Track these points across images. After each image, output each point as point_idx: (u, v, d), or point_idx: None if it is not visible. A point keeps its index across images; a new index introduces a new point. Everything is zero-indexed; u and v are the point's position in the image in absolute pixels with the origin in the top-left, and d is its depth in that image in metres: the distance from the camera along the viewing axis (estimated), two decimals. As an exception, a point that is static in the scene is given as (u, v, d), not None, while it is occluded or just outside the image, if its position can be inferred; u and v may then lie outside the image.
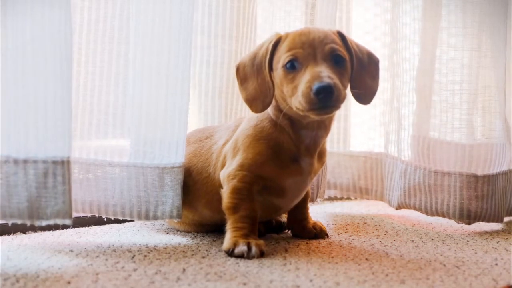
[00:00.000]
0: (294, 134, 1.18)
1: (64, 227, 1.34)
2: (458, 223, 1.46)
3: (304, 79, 1.07)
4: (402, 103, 1.55)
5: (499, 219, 1.46)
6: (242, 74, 1.19)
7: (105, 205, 1.23)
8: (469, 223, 1.44)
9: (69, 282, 0.94)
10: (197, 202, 1.26)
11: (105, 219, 1.35)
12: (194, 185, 1.26)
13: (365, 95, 1.20)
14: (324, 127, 1.19)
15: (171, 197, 1.23)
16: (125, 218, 1.24)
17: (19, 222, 1.05)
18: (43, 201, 1.06)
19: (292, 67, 1.11)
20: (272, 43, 1.16)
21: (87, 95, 1.24)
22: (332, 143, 1.70)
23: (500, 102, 1.50)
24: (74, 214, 1.31)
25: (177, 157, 1.23)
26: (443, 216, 1.46)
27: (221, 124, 1.42)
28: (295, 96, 1.09)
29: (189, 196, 1.25)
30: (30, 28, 1.04)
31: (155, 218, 1.23)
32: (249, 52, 1.21)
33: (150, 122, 1.22)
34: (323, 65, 1.09)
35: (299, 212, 1.31)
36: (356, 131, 1.76)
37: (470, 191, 1.43)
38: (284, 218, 1.38)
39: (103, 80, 1.25)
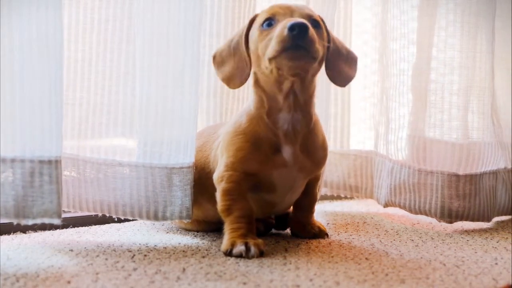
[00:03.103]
0: (271, 120, 1.17)
1: (64, 226, 1.34)
2: (440, 222, 1.47)
3: (279, 26, 1.09)
4: (391, 102, 1.55)
5: (485, 219, 1.46)
6: (219, 60, 1.22)
7: (115, 205, 1.23)
8: (451, 222, 1.45)
9: (69, 282, 0.94)
10: (201, 196, 1.26)
11: (112, 219, 1.35)
12: (199, 179, 1.26)
13: (340, 78, 1.23)
14: (300, 109, 1.17)
15: (180, 197, 1.23)
16: (134, 218, 1.25)
17: (5, 220, 1.06)
18: (29, 200, 1.06)
19: (269, 25, 1.13)
20: (249, 19, 1.19)
21: (98, 95, 1.25)
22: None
23: (486, 101, 1.50)
24: (83, 213, 1.33)
25: (186, 157, 1.23)
26: (426, 214, 1.47)
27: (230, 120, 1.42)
28: (270, 47, 1.09)
29: (194, 191, 1.25)
30: (16, 26, 1.05)
31: (164, 218, 1.23)
32: (226, 41, 1.24)
33: (158, 122, 1.23)
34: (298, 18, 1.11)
35: (302, 215, 1.30)
36: (352, 130, 1.77)
37: (451, 190, 1.44)
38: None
39: (113, 80, 1.25)
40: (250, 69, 1.18)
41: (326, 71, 1.21)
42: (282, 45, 1.07)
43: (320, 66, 1.17)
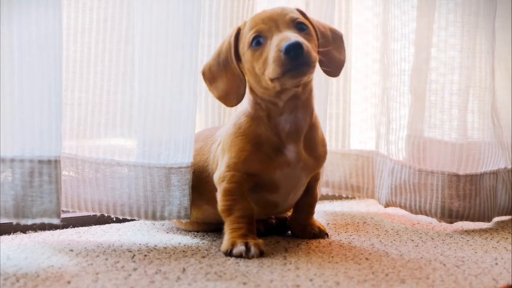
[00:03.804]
0: (272, 123, 1.17)
1: (64, 226, 1.34)
2: (440, 222, 1.47)
3: (272, 46, 1.08)
4: (392, 102, 1.55)
5: (485, 219, 1.46)
6: (210, 76, 1.20)
7: (113, 205, 1.23)
8: (451, 222, 1.45)
9: (69, 282, 0.94)
10: (200, 199, 1.26)
11: (112, 219, 1.35)
12: (198, 182, 1.26)
13: (332, 66, 1.21)
14: (302, 107, 1.18)
15: (178, 197, 1.23)
16: (133, 218, 1.25)
17: (5, 220, 1.06)
18: (29, 200, 1.06)
19: (258, 43, 1.12)
20: (234, 35, 1.17)
21: (96, 95, 1.25)
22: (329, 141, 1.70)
23: (486, 101, 1.50)
24: (83, 213, 1.33)
25: (184, 157, 1.23)
26: (426, 214, 1.47)
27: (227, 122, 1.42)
28: (267, 67, 1.09)
29: (193, 194, 1.25)
30: (16, 27, 1.05)
31: (162, 218, 1.23)
32: (212, 55, 1.22)
33: (157, 122, 1.23)
34: (287, 31, 1.10)
35: (303, 216, 1.30)
36: (353, 130, 1.77)
37: (451, 190, 1.44)
38: (288, 213, 1.37)
39: (111, 80, 1.26)
40: (245, 85, 1.17)
41: (318, 63, 1.19)
42: (283, 68, 1.07)
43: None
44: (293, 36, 1.07)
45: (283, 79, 1.09)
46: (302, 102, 1.17)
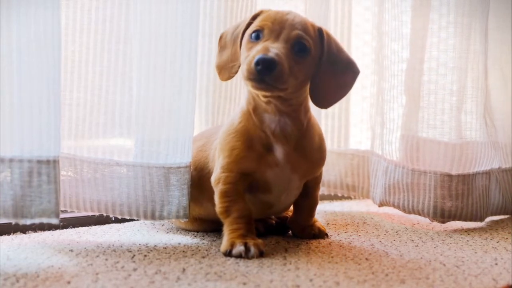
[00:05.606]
0: (257, 118, 1.17)
1: (64, 226, 1.34)
2: (432, 221, 1.47)
3: (256, 49, 1.09)
4: (388, 103, 1.55)
5: (477, 219, 1.47)
6: (223, 42, 1.22)
7: (112, 204, 1.23)
8: (443, 222, 1.46)
9: (69, 282, 0.94)
10: (202, 196, 1.26)
11: (112, 219, 1.35)
12: (199, 179, 1.26)
13: (323, 99, 1.19)
14: (287, 115, 1.17)
15: (177, 197, 1.23)
16: (132, 218, 1.26)
17: (4, 220, 1.06)
18: (27, 200, 1.06)
19: (256, 37, 1.12)
20: (252, 15, 1.17)
21: (95, 95, 1.25)
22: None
23: (479, 101, 1.50)
24: (83, 213, 1.33)
25: (183, 157, 1.23)
26: (419, 214, 1.48)
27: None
28: (243, 67, 1.10)
29: (195, 190, 1.26)
30: (15, 27, 1.05)
31: (161, 218, 1.24)
32: (235, 22, 1.24)
33: (155, 122, 1.23)
34: (280, 44, 1.10)
35: (303, 218, 1.30)
36: (350, 130, 1.77)
37: (444, 190, 1.44)
38: (289, 213, 1.37)
39: (110, 80, 1.26)
40: (239, 66, 1.17)
41: (309, 90, 1.17)
42: (248, 74, 1.07)
43: (304, 83, 1.15)
44: (273, 53, 1.06)
45: (247, 82, 1.09)
46: (286, 112, 1.17)
